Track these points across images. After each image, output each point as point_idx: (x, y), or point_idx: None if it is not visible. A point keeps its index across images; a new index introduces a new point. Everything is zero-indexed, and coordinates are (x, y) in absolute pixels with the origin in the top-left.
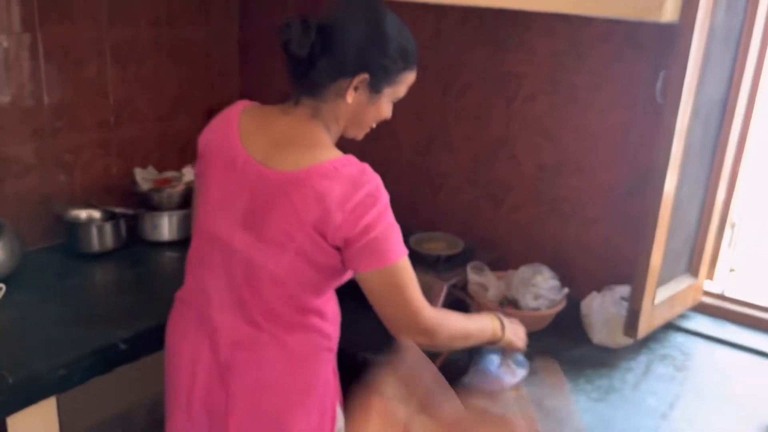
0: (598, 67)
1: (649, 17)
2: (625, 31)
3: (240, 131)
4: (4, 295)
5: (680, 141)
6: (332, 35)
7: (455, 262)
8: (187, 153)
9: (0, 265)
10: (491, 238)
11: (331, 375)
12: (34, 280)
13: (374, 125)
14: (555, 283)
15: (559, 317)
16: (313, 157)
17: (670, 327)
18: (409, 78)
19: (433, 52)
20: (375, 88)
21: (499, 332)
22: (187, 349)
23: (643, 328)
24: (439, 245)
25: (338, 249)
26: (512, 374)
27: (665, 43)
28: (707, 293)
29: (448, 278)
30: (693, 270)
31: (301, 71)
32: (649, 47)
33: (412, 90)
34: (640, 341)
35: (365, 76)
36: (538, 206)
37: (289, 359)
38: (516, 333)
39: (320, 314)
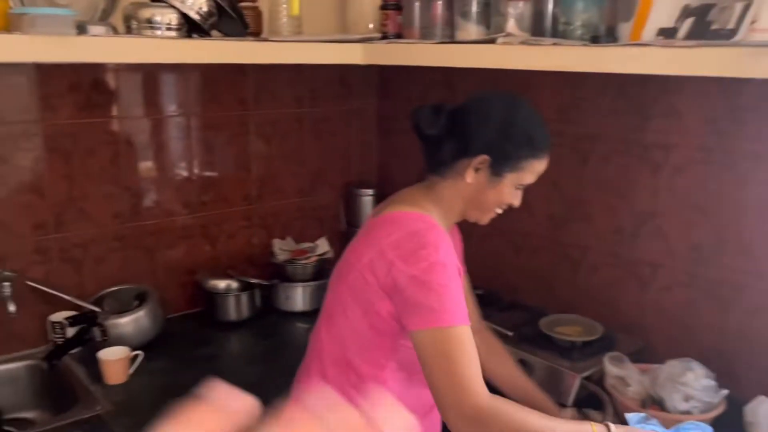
0: (760, 133)
1: None
2: None
3: None
4: (142, 362)
5: None
6: (461, 118)
7: (591, 351)
8: (325, 225)
9: (143, 332)
10: (635, 323)
11: None
12: (171, 346)
13: (499, 210)
14: (710, 382)
15: (717, 424)
16: (393, 209)
17: None
18: (536, 166)
19: (570, 120)
20: (496, 171)
21: None
22: None
23: None
24: (574, 330)
25: (389, 295)
26: None
27: None
28: None
29: (581, 369)
30: None
31: (429, 151)
32: None
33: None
34: None
35: (486, 157)
36: (691, 289)
37: None
38: None
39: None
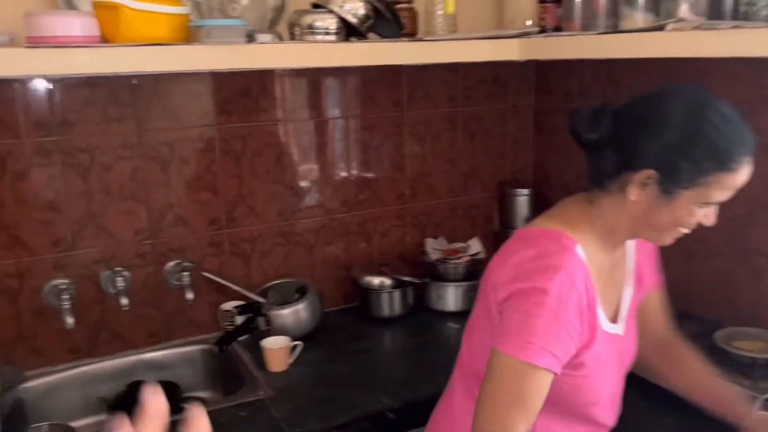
0: None
1: None
2: None
3: None
4: (301, 352)
5: None
6: (626, 123)
7: None
8: (477, 224)
9: (302, 324)
10: None
11: None
12: (327, 339)
13: (685, 230)
14: None
15: None
16: (536, 224)
17: None
18: (727, 181)
19: (754, 112)
20: (665, 188)
21: None
22: None
23: None
24: (756, 345)
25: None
26: None
27: None
28: None
29: (764, 390)
30: None
31: (590, 159)
32: None
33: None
34: None
35: (652, 173)
36: None
37: None
38: None
39: None
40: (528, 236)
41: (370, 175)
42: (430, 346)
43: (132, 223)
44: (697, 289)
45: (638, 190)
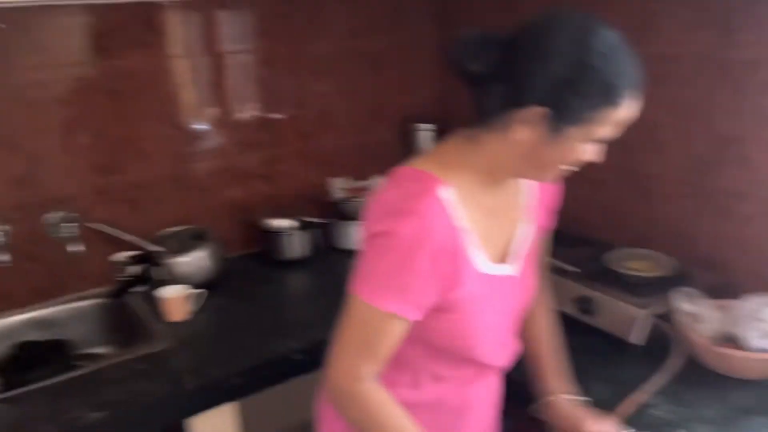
0: None
1: None
2: None
3: None
4: (207, 299)
5: None
6: (514, 53)
7: (663, 286)
8: (382, 162)
9: (204, 271)
10: (713, 258)
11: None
12: (232, 285)
13: (572, 168)
14: None
15: None
16: (409, 163)
17: None
18: (617, 115)
19: (642, 41)
20: (554, 126)
21: None
22: None
23: None
24: (644, 265)
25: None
26: None
27: None
28: None
29: (651, 305)
30: None
31: (474, 94)
32: None
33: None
34: None
35: (541, 110)
36: None
37: None
38: None
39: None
40: (397, 176)
41: (270, 114)
42: (335, 286)
43: (5, 173)
44: (592, 213)
45: (525, 128)
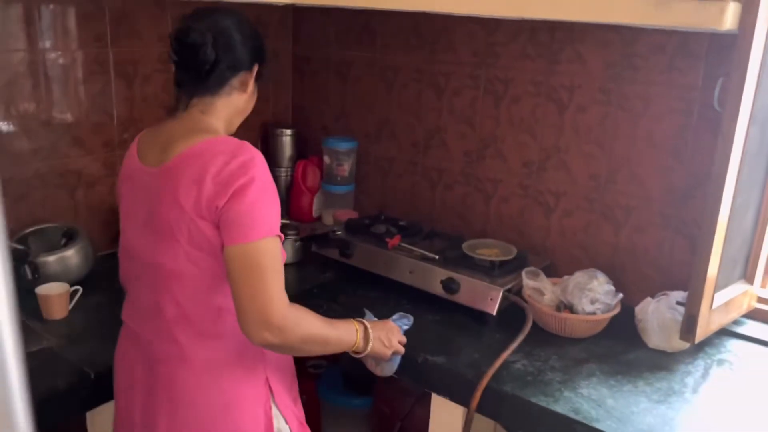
0: (651, 77)
1: (710, 26)
2: (678, 41)
3: (138, 150)
4: (81, 296)
5: (738, 147)
6: (226, 36)
7: (509, 268)
8: None
9: (75, 269)
10: (542, 245)
11: (261, 382)
12: (105, 283)
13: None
14: (610, 287)
15: (614, 322)
16: (190, 143)
17: (724, 332)
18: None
19: (485, 64)
20: (260, 76)
21: (361, 344)
22: (124, 369)
23: (701, 332)
24: (492, 251)
25: (217, 226)
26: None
27: (720, 51)
28: (762, 299)
29: (503, 283)
30: (748, 277)
31: (203, 74)
32: (703, 56)
33: (464, 100)
34: (696, 346)
35: (257, 66)
36: (590, 213)
37: (201, 374)
38: (384, 341)
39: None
40: (200, 152)
41: (133, 114)
42: None
43: None
44: (442, 212)
45: (243, 88)
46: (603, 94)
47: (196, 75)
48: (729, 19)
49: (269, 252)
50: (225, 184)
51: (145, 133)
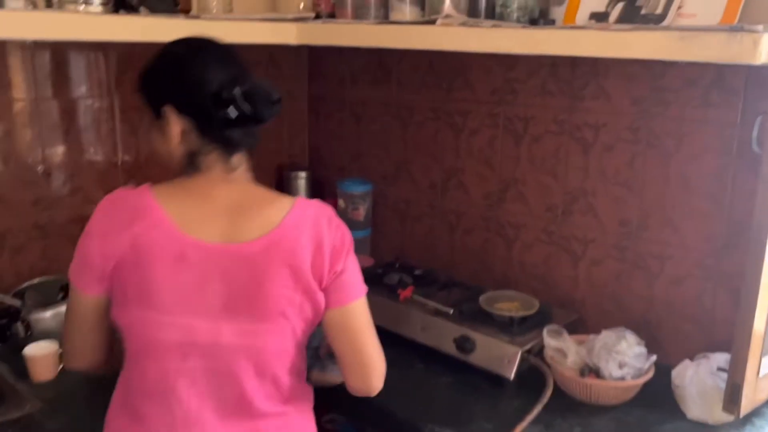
0: (683, 113)
1: (743, 60)
2: (713, 74)
3: (174, 218)
4: None
5: None
6: (254, 89)
7: (530, 325)
8: None
9: None
10: (569, 297)
11: None
12: None
13: None
14: (641, 349)
15: (647, 388)
16: (279, 212)
17: None
18: None
19: (504, 102)
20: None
21: None
22: None
23: (747, 403)
24: (512, 305)
25: (325, 291)
26: None
27: (760, 85)
28: None
29: (522, 342)
30: None
31: (257, 128)
32: (741, 90)
33: (483, 139)
34: (743, 418)
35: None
36: (621, 262)
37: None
38: None
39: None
40: (298, 221)
41: (138, 160)
42: None
43: None
44: (460, 259)
45: None
46: (631, 132)
47: (253, 131)
48: (764, 53)
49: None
50: (340, 247)
51: (167, 198)
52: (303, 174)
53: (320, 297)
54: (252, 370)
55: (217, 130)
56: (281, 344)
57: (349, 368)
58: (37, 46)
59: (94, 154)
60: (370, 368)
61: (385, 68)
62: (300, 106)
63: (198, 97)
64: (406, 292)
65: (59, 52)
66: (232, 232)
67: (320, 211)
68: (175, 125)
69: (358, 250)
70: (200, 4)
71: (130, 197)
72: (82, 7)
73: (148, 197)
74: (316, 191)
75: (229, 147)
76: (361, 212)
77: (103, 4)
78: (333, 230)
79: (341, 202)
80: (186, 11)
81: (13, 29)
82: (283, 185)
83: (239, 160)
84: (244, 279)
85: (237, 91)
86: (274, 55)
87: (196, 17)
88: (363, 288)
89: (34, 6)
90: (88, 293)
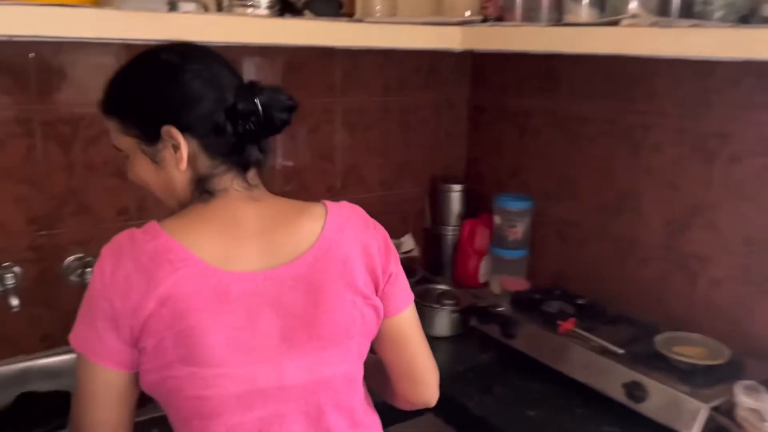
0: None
1: None
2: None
3: (202, 255)
4: None
5: None
6: (274, 96)
7: (718, 377)
8: (408, 219)
9: None
10: None
11: None
12: None
13: None
14: None
15: None
16: (315, 223)
17: None
18: None
19: (695, 116)
20: None
21: None
22: None
23: None
24: (694, 351)
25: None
26: None
27: None
28: None
29: (707, 397)
30: None
31: (260, 141)
32: None
33: (666, 158)
34: None
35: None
36: None
37: None
38: None
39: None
40: (340, 226)
41: (297, 164)
42: None
43: (25, 210)
44: (632, 291)
45: None
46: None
47: (267, 142)
48: None
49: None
50: (386, 248)
51: (185, 233)
52: (457, 187)
53: (379, 303)
54: (325, 408)
55: (233, 147)
56: (351, 371)
57: (401, 380)
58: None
59: None
60: (426, 379)
61: (555, 76)
62: (458, 115)
63: (210, 112)
64: (567, 324)
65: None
66: (272, 255)
67: (354, 210)
68: (184, 148)
69: (513, 271)
70: (364, 7)
71: (140, 242)
72: (249, 11)
73: (162, 237)
74: (471, 206)
75: (246, 163)
76: (519, 231)
77: (269, 7)
78: (373, 230)
79: (497, 219)
80: (350, 15)
81: (186, 32)
82: (435, 197)
83: (254, 175)
84: (298, 304)
85: (258, 100)
86: (435, 62)
87: (360, 20)
88: (411, 293)
89: (206, 9)
90: (110, 367)
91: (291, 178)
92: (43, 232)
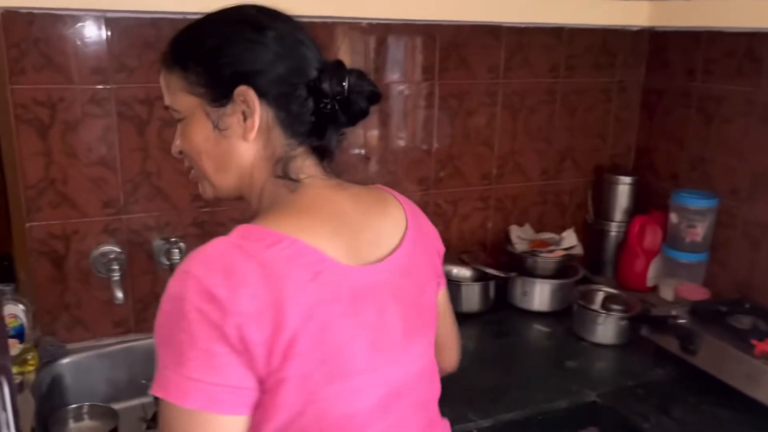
0: None
1: None
2: None
3: (332, 254)
4: None
5: None
6: (361, 79)
7: None
8: (567, 213)
9: None
10: None
11: None
12: None
13: None
14: None
15: None
16: (396, 211)
17: None
18: None
19: None
20: None
21: None
22: None
23: None
24: None
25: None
26: None
27: None
28: None
29: None
30: None
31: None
32: None
33: None
34: None
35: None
36: None
37: None
38: None
39: None
40: (414, 213)
41: (453, 149)
42: (517, 350)
43: (190, 187)
44: (762, 278)
45: None
46: None
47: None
48: None
49: None
50: (435, 231)
51: (297, 230)
52: (627, 179)
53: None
54: (428, 395)
55: (312, 128)
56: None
57: (445, 349)
58: (367, 27)
59: (410, 140)
60: (456, 345)
61: (755, 57)
62: (631, 100)
63: (291, 82)
64: (764, 345)
65: (380, 33)
66: (379, 245)
67: (400, 196)
68: (257, 115)
69: (689, 276)
70: None
71: (258, 250)
72: None
73: (285, 239)
74: (642, 200)
75: (324, 149)
76: (699, 232)
77: None
78: (421, 211)
79: (674, 217)
80: None
81: (347, 8)
82: (600, 189)
83: (327, 163)
84: (411, 292)
85: (347, 81)
86: (608, 41)
87: None
88: None
89: None
90: (238, 413)
91: (445, 163)
92: (206, 209)
